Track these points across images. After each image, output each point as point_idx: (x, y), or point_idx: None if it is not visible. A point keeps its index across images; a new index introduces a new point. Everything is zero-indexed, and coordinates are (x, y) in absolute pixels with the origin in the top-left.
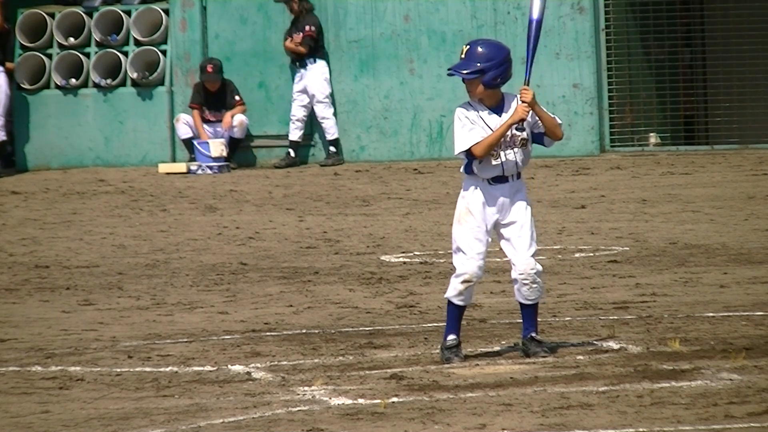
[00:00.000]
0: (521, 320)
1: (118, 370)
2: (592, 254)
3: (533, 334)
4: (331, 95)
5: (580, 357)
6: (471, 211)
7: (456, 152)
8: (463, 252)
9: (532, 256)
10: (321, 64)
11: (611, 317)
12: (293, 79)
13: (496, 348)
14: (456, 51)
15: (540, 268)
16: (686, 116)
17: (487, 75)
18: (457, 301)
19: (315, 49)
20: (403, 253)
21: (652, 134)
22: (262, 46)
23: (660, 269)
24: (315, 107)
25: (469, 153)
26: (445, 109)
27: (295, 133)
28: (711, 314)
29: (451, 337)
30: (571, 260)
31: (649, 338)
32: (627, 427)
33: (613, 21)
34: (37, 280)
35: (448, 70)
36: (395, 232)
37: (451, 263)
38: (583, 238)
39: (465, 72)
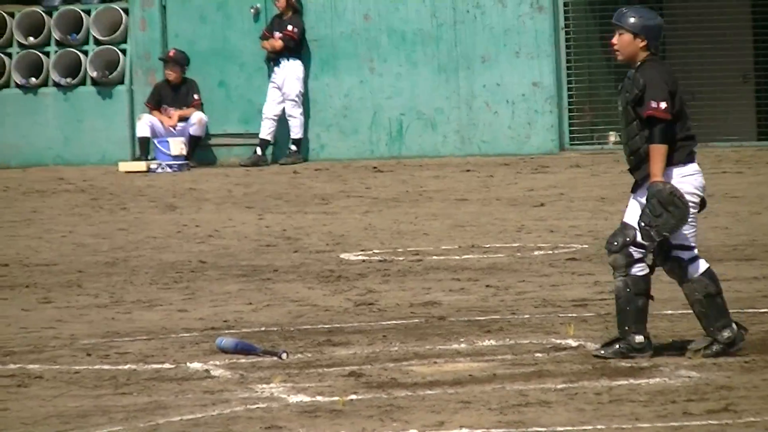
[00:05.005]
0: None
1: (77, 367)
2: (551, 252)
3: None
4: (303, 95)
5: (539, 354)
6: None
7: None
8: None
9: None
10: (296, 63)
11: (570, 315)
12: (269, 77)
13: (455, 345)
14: (416, 50)
15: None
16: None
17: None
18: None
19: (293, 48)
20: (363, 251)
21: (611, 133)
22: (222, 45)
23: None
24: (285, 104)
25: None
26: (405, 107)
27: (266, 131)
28: (669, 312)
29: None
30: (530, 258)
31: (607, 336)
32: (585, 425)
33: (572, 20)
34: None
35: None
36: (355, 230)
37: (409, 261)
38: (542, 235)
39: None
